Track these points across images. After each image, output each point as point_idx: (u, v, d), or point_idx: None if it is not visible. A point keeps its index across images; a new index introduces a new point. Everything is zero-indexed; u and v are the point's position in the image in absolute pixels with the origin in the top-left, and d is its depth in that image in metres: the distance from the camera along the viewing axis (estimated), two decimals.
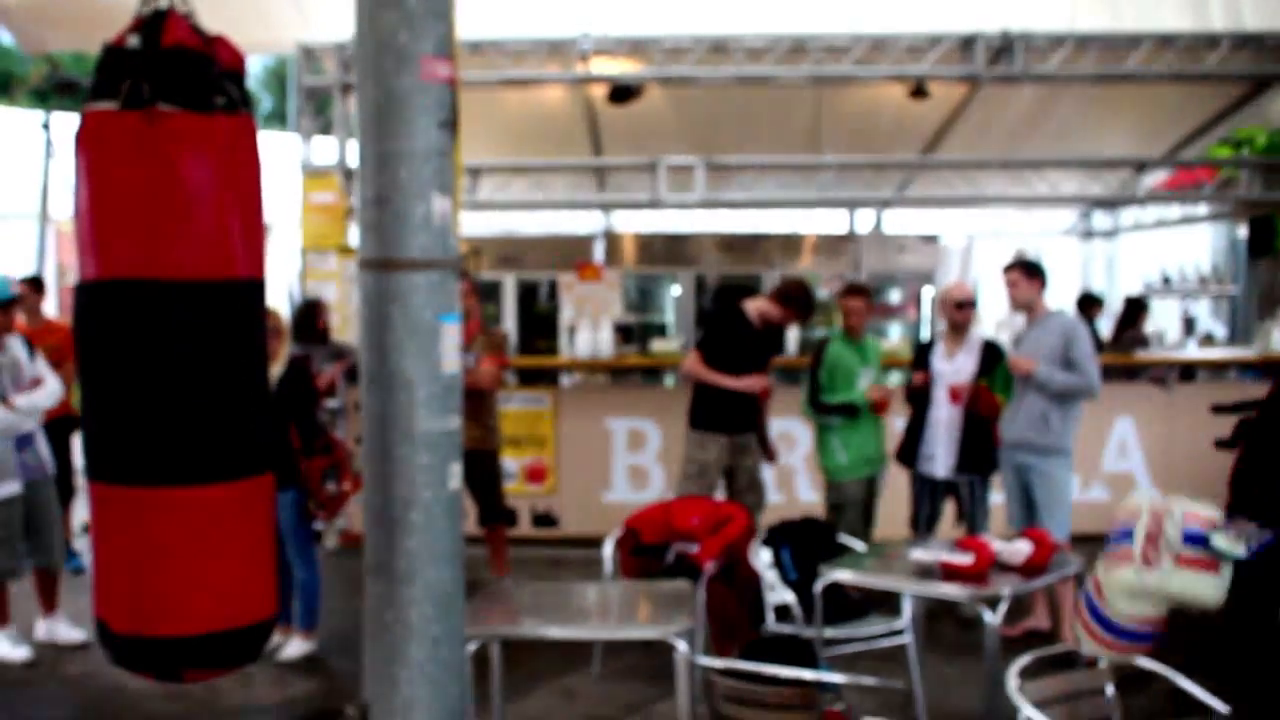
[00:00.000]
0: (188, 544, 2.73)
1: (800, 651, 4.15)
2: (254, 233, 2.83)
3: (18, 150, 16.12)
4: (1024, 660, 3.53)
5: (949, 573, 4.53)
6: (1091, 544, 5.31)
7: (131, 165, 2.66)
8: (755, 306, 6.68)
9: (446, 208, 3.00)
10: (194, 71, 2.70)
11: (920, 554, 4.80)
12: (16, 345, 6.07)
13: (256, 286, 2.88)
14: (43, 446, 6.14)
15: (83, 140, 2.73)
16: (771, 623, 5.22)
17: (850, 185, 10.16)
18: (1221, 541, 4.22)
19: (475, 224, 13.46)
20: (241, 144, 2.75)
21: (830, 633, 5.04)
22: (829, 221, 13.83)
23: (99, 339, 2.79)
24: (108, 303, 2.75)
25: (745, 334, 6.64)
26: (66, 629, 6.30)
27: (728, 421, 6.58)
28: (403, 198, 2.92)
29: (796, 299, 6.61)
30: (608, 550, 5.44)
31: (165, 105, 2.66)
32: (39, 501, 6.11)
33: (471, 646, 4.02)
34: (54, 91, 9.71)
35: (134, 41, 2.72)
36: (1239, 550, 4.20)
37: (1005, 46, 8.33)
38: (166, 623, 2.80)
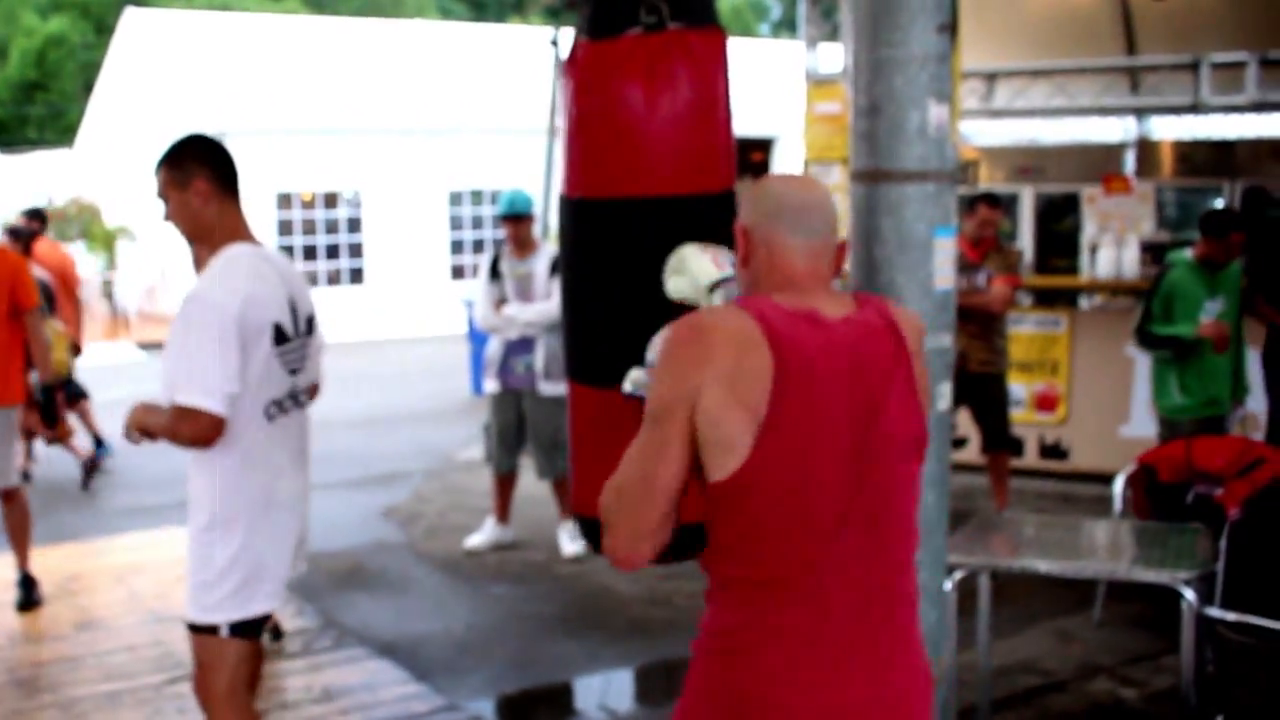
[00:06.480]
0: None
1: None
2: (694, 150, 2.86)
3: (531, 66, 17.20)
4: None
5: None
6: None
7: (584, 92, 2.89)
8: None
9: (944, 116, 2.84)
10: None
11: None
12: (540, 261, 6.18)
13: (696, 202, 2.89)
14: (539, 360, 6.18)
15: (565, 68, 2.99)
16: None
17: None
18: None
19: (990, 133, 12.91)
20: (665, 62, 2.81)
21: None
22: None
23: (571, 251, 2.99)
24: (571, 217, 2.97)
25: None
26: (569, 541, 6.33)
27: None
28: (897, 106, 2.81)
29: None
30: (1118, 487, 5.09)
31: (584, 37, 2.89)
32: (526, 412, 6.31)
33: (956, 575, 3.89)
34: (564, 8, 10.29)
35: None
36: None
37: None
38: None
